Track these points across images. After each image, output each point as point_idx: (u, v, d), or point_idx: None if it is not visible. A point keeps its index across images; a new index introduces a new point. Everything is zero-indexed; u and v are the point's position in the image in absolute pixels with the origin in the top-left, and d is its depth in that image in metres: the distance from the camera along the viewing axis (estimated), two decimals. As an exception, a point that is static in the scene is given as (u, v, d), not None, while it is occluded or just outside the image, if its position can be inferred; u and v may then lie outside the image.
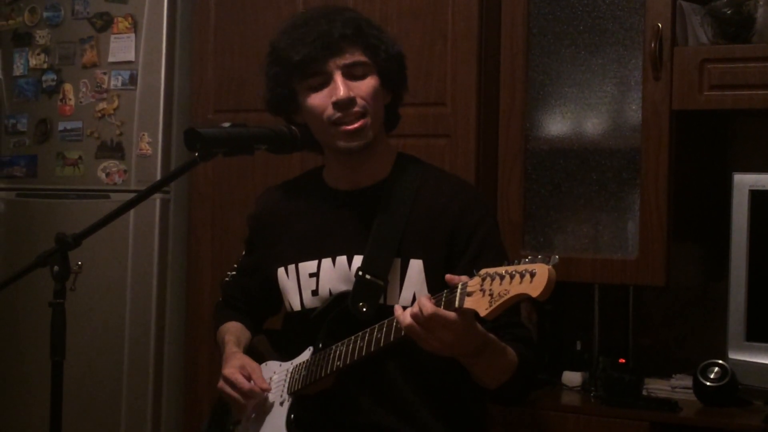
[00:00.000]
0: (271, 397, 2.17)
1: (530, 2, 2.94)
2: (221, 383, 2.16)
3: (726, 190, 2.72)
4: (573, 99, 2.92)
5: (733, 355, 2.67)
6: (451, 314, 1.79)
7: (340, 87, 2.08)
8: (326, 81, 2.10)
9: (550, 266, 1.65)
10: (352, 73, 2.10)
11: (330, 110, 2.09)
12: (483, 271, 1.74)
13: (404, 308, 1.87)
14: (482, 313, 1.72)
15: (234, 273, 2.42)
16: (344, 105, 2.08)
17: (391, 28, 2.96)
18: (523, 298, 1.69)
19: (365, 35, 2.12)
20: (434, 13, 3.00)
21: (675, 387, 2.85)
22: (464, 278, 1.81)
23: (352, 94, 2.08)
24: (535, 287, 1.65)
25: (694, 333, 3.10)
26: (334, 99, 2.08)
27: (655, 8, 2.74)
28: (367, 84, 2.11)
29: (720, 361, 2.72)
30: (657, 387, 2.85)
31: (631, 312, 3.10)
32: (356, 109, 2.09)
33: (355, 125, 2.09)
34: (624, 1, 2.84)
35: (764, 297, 2.65)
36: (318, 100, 2.10)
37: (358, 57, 2.10)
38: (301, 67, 2.10)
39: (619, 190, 2.86)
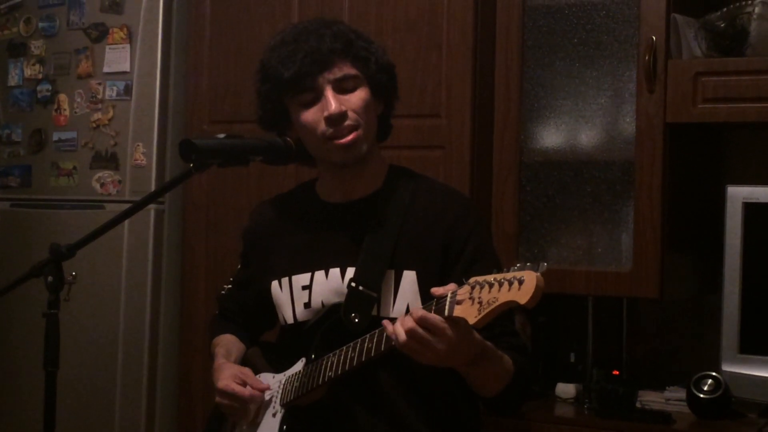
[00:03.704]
0: (264, 407, 2.17)
1: (525, 14, 2.95)
2: (218, 398, 2.16)
3: (720, 202, 2.72)
4: (567, 111, 2.93)
5: (727, 368, 2.67)
6: (439, 319, 1.79)
7: (332, 102, 2.07)
8: (317, 97, 2.09)
9: (538, 273, 1.65)
10: (342, 87, 2.10)
11: (323, 126, 2.09)
12: (472, 280, 1.75)
13: (393, 320, 1.88)
14: (471, 321, 1.73)
15: (230, 286, 2.42)
16: (336, 120, 2.08)
17: (386, 39, 2.97)
18: (512, 306, 1.69)
19: (354, 48, 2.12)
20: (429, 24, 3.01)
21: (669, 399, 2.85)
22: (450, 287, 1.81)
23: (343, 108, 2.08)
24: (523, 294, 1.65)
25: (687, 345, 3.10)
26: (326, 114, 2.08)
27: (649, 21, 2.75)
28: (358, 96, 2.11)
29: (714, 374, 2.72)
30: (651, 399, 2.85)
31: (624, 324, 3.10)
32: (348, 122, 2.09)
33: (348, 138, 2.09)
34: (618, 13, 2.85)
35: (758, 309, 2.65)
36: (310, 116, 2.10)
37: (348, 70, 2.10)
38: (292, 83, 2.09)
39: (613, 202, 2.87)
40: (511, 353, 2.03)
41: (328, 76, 2.09)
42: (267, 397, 2.17)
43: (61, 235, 3.29)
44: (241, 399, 2.13)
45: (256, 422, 2.16)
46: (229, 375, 2.17)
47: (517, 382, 2.03)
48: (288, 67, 2.09)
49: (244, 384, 2.14)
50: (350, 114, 2.09)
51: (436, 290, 1.83)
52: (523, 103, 2.95)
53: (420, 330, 1.81)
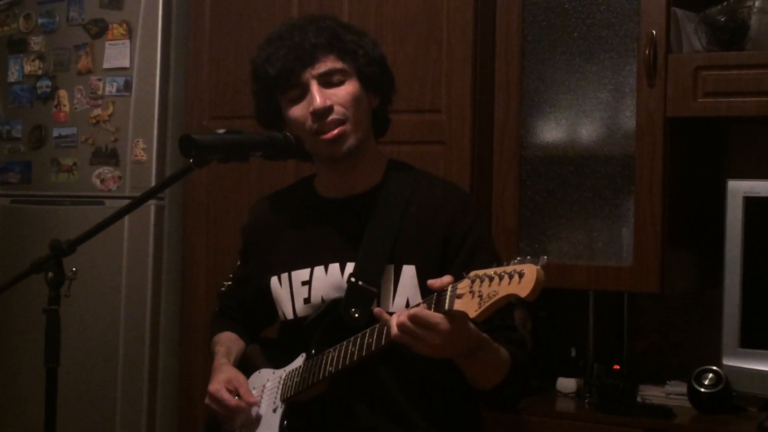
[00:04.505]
0: (264, 404, 2.17)
1: (525, 9, 2.94)
2: (207, 400, 2.16)
3: (720, 196, 2.72)
4: (567, 106, 2.93)
5: (728, 362, 2.67)
6: (435, 315, 1.80)
7: (316, 97, 2.08)
8: (304, 92, 2.10)
9: (538, 266, 1.65)
10: (329, 81, 2.10)
11: (310, 121, 2.09)
12: (472, 273, 1.75)
13: (392, 314, 1.89)
14: (472, 314, 1.73)
15: (229, 283, 2.42)
16: (321, 114, 2.08)
17: (387, 35, 2.97)
18: (512, 299, 1.69)
19: (340, 42, 2.12)
20: (429, 20, 3.01)
21: (669, 393, 2.85)
22: (446, 279, 1.81)
23: (329, 102, 2.08)
24: (523, 287, 1.65)
25: (688, 339, 3.10)
26: (311, 109, 2.08)
27: (649, 15, 2.75)
28: (345, 90, 2.11)
29: (714, 368, 2.72)
30: (651, 394, 2.86)
31: (625, 319, 3.10)
32: (334, 117, 2.09)
33: (334, 132, 2.09)
34: (618, 8, 2.84)
35: (758, 303, 2.65)
36: (298, 111, 2.11)
37: (333, 64, 2.11)
38: (278, 80, 2.11)
39: (614, 197, 2.86)
40: (509, 347, 2.03)
41: (312, 71, 2.10)
42: (261, 409, 2.16)
43: (62, 231, 3.29)
44: (227, 407, 2.13)
45: (256, 418, 2.16)
46: (223, 379, 2.17)
47: (515, 375, 2.02)
48: (273, 64, 2.11)
49: (235, 392, 2.14)
50: (336, 108, 2.09)
51: (433, 283, 1.83)
52: (524, 98, 2.95)
53: (411, 325, 1.81)
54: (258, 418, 2.16)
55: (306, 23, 2.14)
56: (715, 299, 2.82)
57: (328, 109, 2.08)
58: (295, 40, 2.10)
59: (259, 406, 2.17)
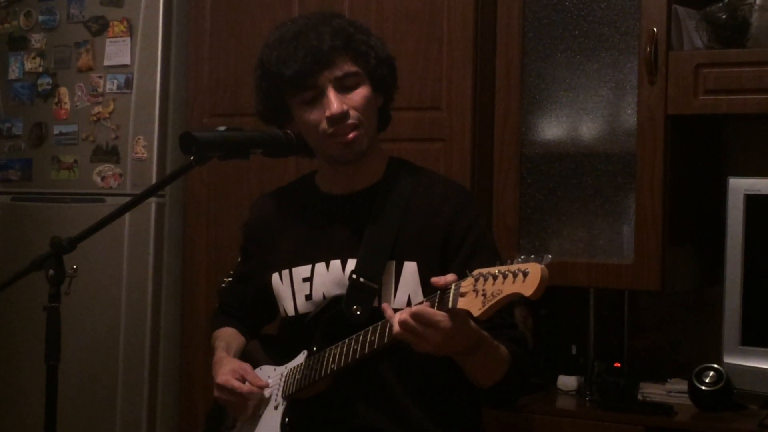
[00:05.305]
0: (266, 401, 2.17)
1: (526, 6, 2.94)
2: (216, 392, 2.16)
3: (721, 194, 2.72)
4: (568, 103, 2.93)
5: (729, 360, 2.67)
6: (437, 313, 1.80)
7: (333, 102, 2.07)
8: (319, 95, 2.09)
9: (542, 265, 1.65)
10: (343, 85, 2.10)
11: (324, 124, 2.09)
12: (476, 272, 1.75)
13: (395, 310, 1.89)
14: (475, 313, 1.73)
15: (230, 280, 2.42)
16: (338, 119, 2.08)
17: (387, 32, 2.97)
18: (516, 298, 1.69)
19: (354, 44, 2.12)
20: (430, 17, 3.01)
21: (670, 391, 2.85)
22: (449, 277, 1.81)
23: (345, 107, 2.08)
24: (527, 286, 1.66)
25: (689, 337, 3.10)
26: (327, 114, 2.08)
27: (650, 13, 2.74)
28: (360, 94, 2.11)
29: (715, 366, 2.72)
30: (652, 391, 2.86)
31: (626, 316, 3.10)
32: (350, 121, 2.09)
33: (349, 137, 2.09)
34: (619, 5, 2.84)
35: (759, 301, 2.65)
36: (312, 114, 2.10)
37: (349, 68, 2.10)
38: (293, 82, 2.09)
39: (615, 194, 2.86)
40: (510, 345, 2.03)
41: (329, 74, 2.09)
42: (267, 391, 2.17)
43: (62, 228, 3.27)
44: (239, 395, 2.13)
45: (257, 415, 2.17)
46: (228, 370, 2.17)
47: (515, 373, 2.03)
48: (289, 66, 2.09)
49: (243, 380, 2.15)
50: (352, 113, 2.09)
51: (437, 280, 1.84)
52: (524, 96, 2.95)
53: (412, 322, 1.81)
54: (261, 413, 2.16)
55: (319, 23, 2.12)
56: (716, 297, 2.82)
57: (345, 115, 2.08)
58: (312, 42, 2.08)
59: (265, 391, 2.17)
